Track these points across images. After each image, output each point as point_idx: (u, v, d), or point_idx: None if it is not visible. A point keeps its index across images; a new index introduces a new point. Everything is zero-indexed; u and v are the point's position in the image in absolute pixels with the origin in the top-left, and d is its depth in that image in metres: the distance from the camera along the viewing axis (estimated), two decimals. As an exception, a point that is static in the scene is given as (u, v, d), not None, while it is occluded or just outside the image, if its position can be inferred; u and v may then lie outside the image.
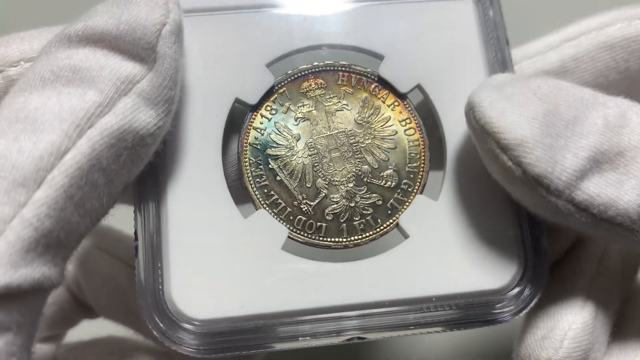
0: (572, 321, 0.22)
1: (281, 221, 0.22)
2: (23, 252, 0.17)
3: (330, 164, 0.23)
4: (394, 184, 0.23)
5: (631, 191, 0.19)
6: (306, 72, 0.24)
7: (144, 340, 0.26)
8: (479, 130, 0.20)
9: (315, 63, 0.24)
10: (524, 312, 0.22)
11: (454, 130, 0.23)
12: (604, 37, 0.23)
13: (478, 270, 0.22)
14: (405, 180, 0.23)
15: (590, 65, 0.24)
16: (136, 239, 0.22)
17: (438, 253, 0.22)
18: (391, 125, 0.23)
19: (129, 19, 0.19)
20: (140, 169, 0.21)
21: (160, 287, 0.21)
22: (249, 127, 0.23)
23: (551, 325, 0.22)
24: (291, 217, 0.22)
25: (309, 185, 0.23)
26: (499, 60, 0.24)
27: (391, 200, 0.23)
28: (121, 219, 0.23)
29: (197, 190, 0.22)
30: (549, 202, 0.19)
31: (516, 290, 0.22)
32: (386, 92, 0.24)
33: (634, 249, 0.21)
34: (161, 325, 0.21)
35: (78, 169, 0.18)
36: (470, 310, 0.22)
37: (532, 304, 0.22)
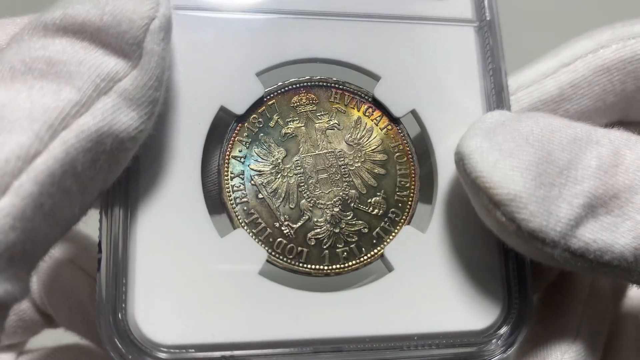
0: (565, 350, 0.21)
1: (260, 243, 0.21)
2: None
3: (317, 185, 0.21)
4: (381, 211, 0.22)
5: (627, 233, 0.19)
6: (298, 85, 0.22)
7: None
8: (470, 183, 0.19)
9: (308, 77, 0.22)
10: (507, 353, 0.21)
11: (446, 161, 0.22)
12: (600, 61, 0.23)
13: (462, 310, 0.21)
14: (393, 209, 0.22)
15: (588, 91, 0.23)
16: (100, 251, 0.20)
17: (422, 289, 0.21)
18: (382, 150, 0.22)
19: (114, 10, 0.18)
20: (118, 174, 0.19)
21: (123, 306, 0.19)
22: (233, 138, 0.21)
23: (544, 354, 0.21)
24: (271, 239, 0.21)
25: (292, 206, 0.21)
26: (496, 92, 0.23)
27: (377, 229, 0.21)
28: (92, 224, 0.21)
29: (171, 202, 0.20)
30: (544, 253, 0.19)
31: (500, 331, 0.21)
32: (380, 114, 0.23)
33: (630, 283, 0.21)
34: (121, 348, 0.19)
35: (49, 175, 0.16)
36: (453, 351, 0.21)
37: (515, 346, 0.21)
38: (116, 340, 0.19)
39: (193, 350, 0.19)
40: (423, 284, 0.21)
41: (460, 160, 0.19)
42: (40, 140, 0.16)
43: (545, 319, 0.22)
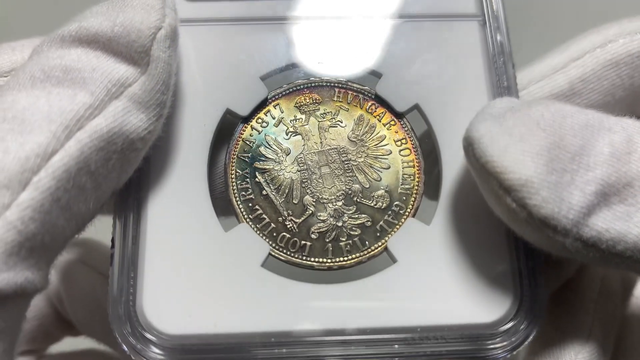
0: (579, 350, 0.20)
1: (263, 237, 0.21)
2: (5, 255, 0.16)
3: (320, 180, 0.22)
4: (385, 205, 0.22)
5: None
6: (301, 86, 0.23)
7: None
8: (480, 168, 0.19)
9: (312, 78, 0.23)
10: (518, 349, 0.20)
11: (451, 153, 0.22)
12: (608, 55, 0.23)
13: (469, 302, 0.20)
14: (397, 202, 0.22)
15: (597, 85, 0.23)
16: (113, 246, 0.21)
17: (427, 280, 0.20)
18: (386, 145, 0.22)
19: (124, 22, 0.19)
20: (130, 174, 0.20)
21: (131, 297, 0.20)
22: (239, 138, 0.22)
23: (557, 355, 0.21)
24: (274, 234, 0.21)
25: (295, 202, 0.22)
26: (504, 85, 0.23)
27: (381, 222, 0.21)
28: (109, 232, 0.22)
29: (179, 199, 0.21)
30: (555, 241, 0.18)
31: (510, 324, 0.20)
32: (383, 110, 0.23)
33: None
34: (129, 337, 0.20)
35: (65, 171, 0.17)
36: (459, 345, 0.20)
37: (527, 341, 0.20)
38: (124, 329, 0.20)
39: (196, 339, 0.20)
40: (427, 276, 0.21)
41: (469, 145, 0.19)
42: (57, 139, 0.18)
43: (556, 318, 0.21)
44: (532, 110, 0.19)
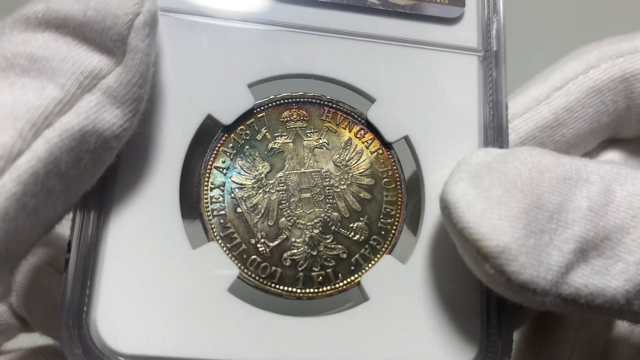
0: None
1: (233, 258, 0.20)
2: None
3: (299, 204, 0.21)
4: (362, 237, 0.21)
5: (619, 276, 0.18)
6: (290, 100, 0.22)
7: None
8: (457, 233, 0.18)
9: (302, 92, 0.22)
10: None
11: (436, 192, 0.21)
12: (591, 82, 0.22)
13: (437, 346, 0.20)
14: (375, 236, 0.21)
15: (582, 113, 0.22)
16: (69, 250, 0.19)
17: (396, 322, 0.20)
18: (370, 174, 0.22)
19: (98, 5, 0.17)
20: (101, 173, 0.18)
21: (85, 309, 0.19)
22: (217, 148, 0.21)
23: None
24: (244, 256, 0.20)
25: (270, 224, 0.21)
26: (494, 125, 0.22)
27: (357, 256, 0.21)
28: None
29: (146, 207, 0.20)
30: (535, 302, 0.18)
31: None
32: (371, 137, 0.22)
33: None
34: (78, 353, 0.18)
35: (32, 174, 0.16)
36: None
37: None
38: (74, 343, 0.18)
39: (151, 362, 0.19)
40: (397, 316, 0.20)
41: (446, 209, 0.18)
42: (23, 139, 0.16)
43: (536, 346, 0.21)
44: (509, 168, 0.18)
